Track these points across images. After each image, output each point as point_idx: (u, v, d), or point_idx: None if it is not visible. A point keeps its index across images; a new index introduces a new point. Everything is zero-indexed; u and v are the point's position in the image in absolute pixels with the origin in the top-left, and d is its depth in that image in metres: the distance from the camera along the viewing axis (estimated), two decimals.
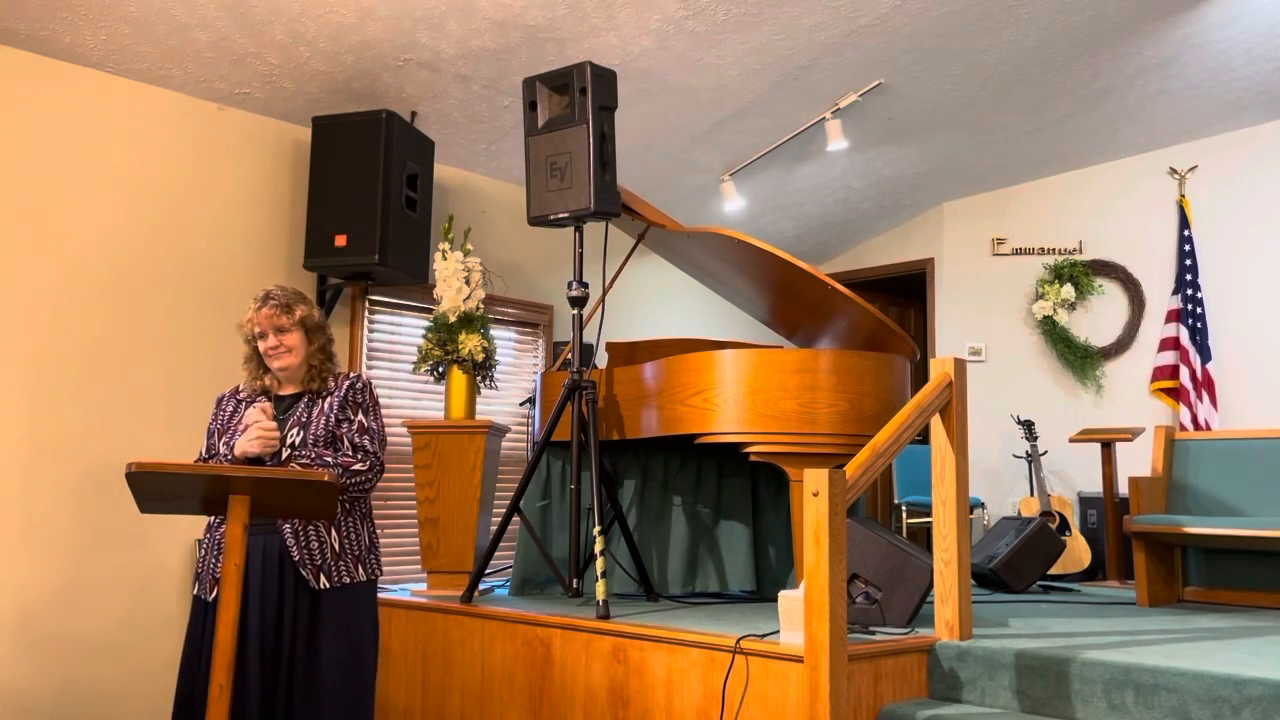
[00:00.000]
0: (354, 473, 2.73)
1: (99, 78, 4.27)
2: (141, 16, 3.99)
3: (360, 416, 2.81)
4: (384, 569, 2.90)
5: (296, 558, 2.65)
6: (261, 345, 2.81)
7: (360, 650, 2.73)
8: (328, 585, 2.67)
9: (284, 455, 2.70)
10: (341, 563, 2.71)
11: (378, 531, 2.91)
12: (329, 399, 2.81)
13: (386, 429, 3.04)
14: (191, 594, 2.79)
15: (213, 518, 2.77)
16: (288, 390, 2.85)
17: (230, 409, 2.86)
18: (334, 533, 2.72)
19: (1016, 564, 4.46)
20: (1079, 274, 6.46)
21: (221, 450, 2.77)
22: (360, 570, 2.75)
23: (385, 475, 3.93)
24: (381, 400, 4.43)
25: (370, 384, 2.90)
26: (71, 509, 4.07)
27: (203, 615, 2.68)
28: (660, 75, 4.86)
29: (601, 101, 3.76)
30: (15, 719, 3.85)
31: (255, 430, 2.67)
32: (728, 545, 4.20)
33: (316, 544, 2.69)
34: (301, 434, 2.74)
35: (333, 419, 2.77)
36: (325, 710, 2.62)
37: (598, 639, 3.24)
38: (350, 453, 2.76)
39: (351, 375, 2.89)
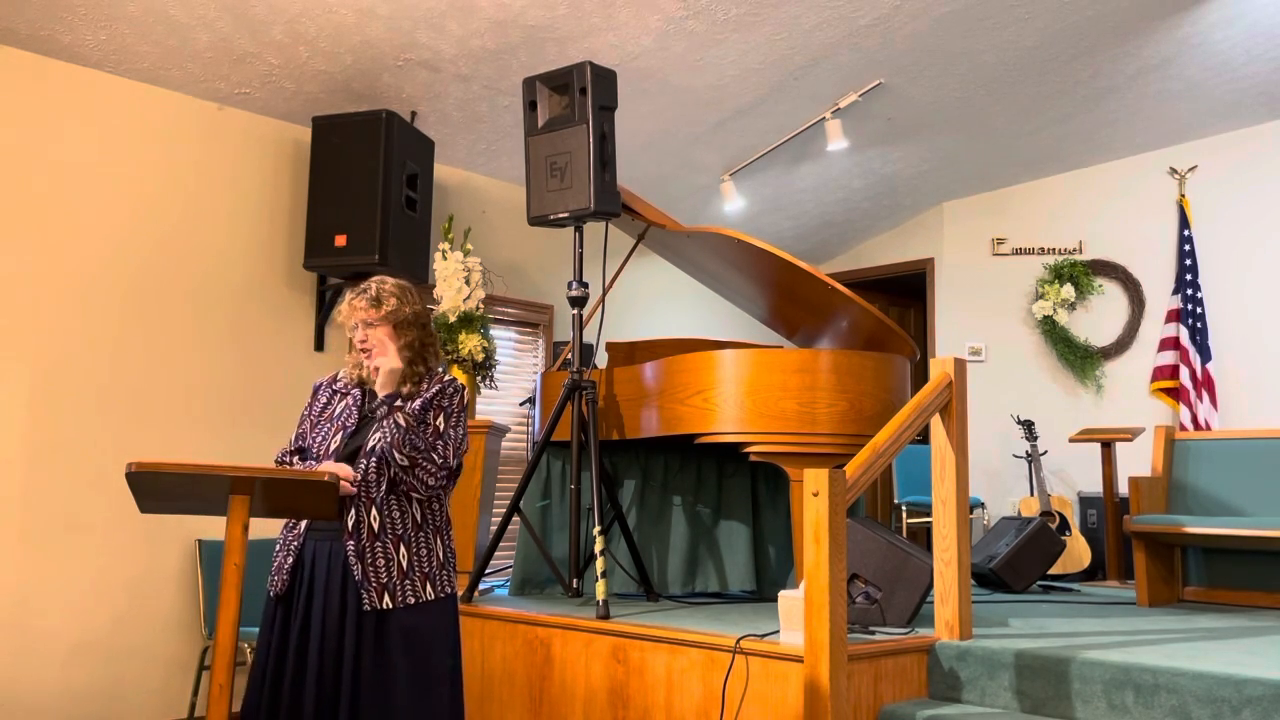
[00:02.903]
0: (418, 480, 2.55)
1: (99, 78, 4.27)
2: (141, 16, 3.99)
3: (439, 420, 2.62)
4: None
5: (358, 577, 2.49)
6: (354, 338, 2.66)
7: (433, 672, 2.54)
8: (392, 605, 2.50)
9: (362, 465, 2.56)
10: (409, 581, 2.53)
11: (453, 545, 2.69)
12: (417, 402, 2.62)
13: None
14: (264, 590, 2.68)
15: (288, 519, 2.62)
16: (380, 390, 2.65)
17: (325, 399, 2.72)
18: (403, 549, 2.55)
19: (1016, 564, 4.46)
20: (1079, 274, 6.46)
21: (311, 442, 2.64)
22: (429, 588, 2.56)
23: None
24: None
25: (462, 390, 2.70)
26: (72, 509, 4.06)
27: (272, 613, 2.59)
28: (660, 75, 4.86)
29: (601, 101, 3.76)
30: (15, 719, 3.85)
31: (390, 363, 2.57)
32: (728, 545, 4.20)
33: (383, 560, 2.52)
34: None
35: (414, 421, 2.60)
36: None
37: (598, 639, 3.23)
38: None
39: (445, 380, 2.69)
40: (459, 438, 2.64)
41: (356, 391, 2.70)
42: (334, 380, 2.77)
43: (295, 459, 2.69)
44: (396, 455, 2.51)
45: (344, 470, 2.53)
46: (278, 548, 2.66)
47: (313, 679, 2.48)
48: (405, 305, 2.67)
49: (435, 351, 2.74)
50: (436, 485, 2.59)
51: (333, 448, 2.61)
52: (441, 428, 2.62)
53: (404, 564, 2.54)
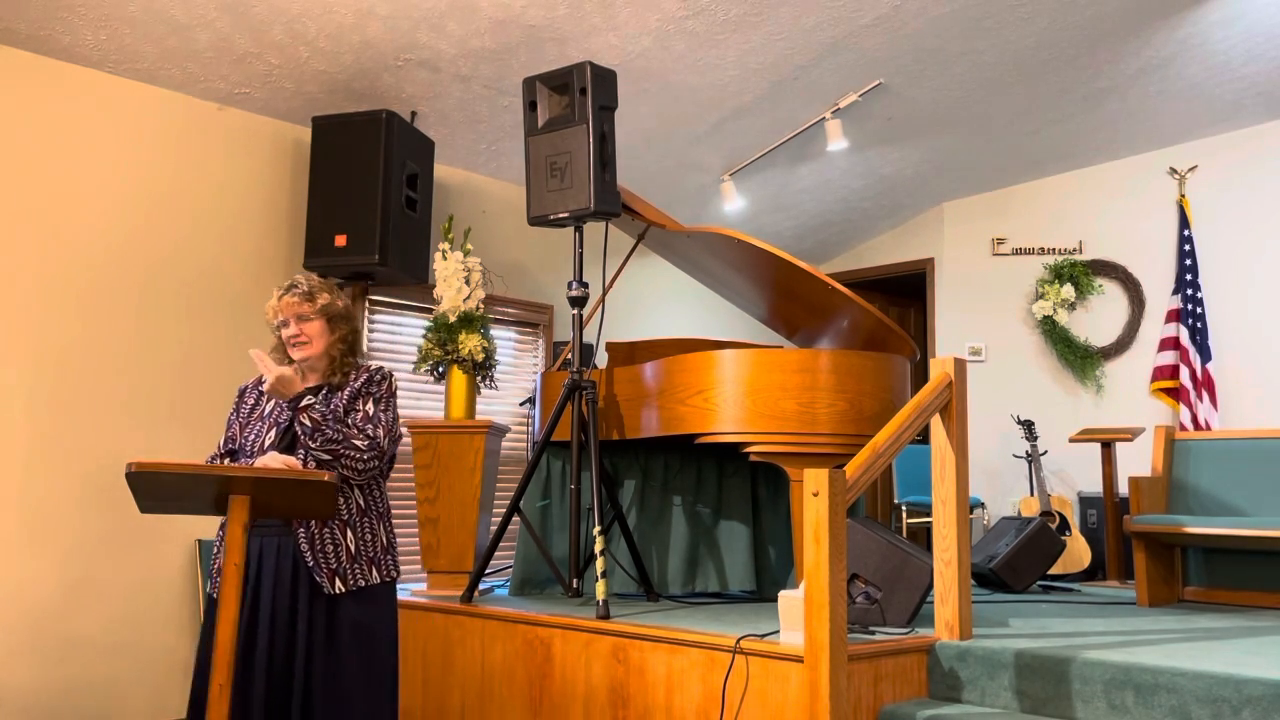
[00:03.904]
0: (350, 447, 2.60)
1: (98, 78, 4.27)
2: (141, 16, 3.99)
3: (368, 405, 2.72)
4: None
5: (310, 563, 2.57)
6: (283, 334, 2.74)
7: (379, 653, 2.65)
8: (343, 589, 2.59)
9: (301, 455, 2.62)
10: (357, 565, 2.63)
11: (395, 531, 2.79)
12: (345, 392, 2.73)
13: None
14: (204, 591, 2.75)
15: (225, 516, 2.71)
16: (310, 382, 2.77)
17: (252, 400, 2.80)
18: (349, 534, 2.64)
19: (1016, 564, 4.46)
20: (1079, 274, 6.46)
21: (243, 442, 2.69)
22: (375, 572, 2.67)
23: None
24: None
25: (390, 376, 2.81)
26: (71, 509, 4.07)
27: (214, 612, 2.62)
28: (660, 75, 4.86)
29: (601, 101, 3.76)
30: (15, 719, 3.85)
31: (268, 378, 2.56)
32: (728, 545, 4.20)
33: (331, 547, 2.61)
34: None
35: (342, 410, 2.69)
36: (350, 714, 2.56)
37: (598, 639, 3.23)
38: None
39: (372, 368, 2.80)
40: (389, 421, 2.73)
41: None
42: (260, 382, 2.85)
43: (228, 461, 2.75)
44: (313, 452, 2.59)
45: (291, 460, 2.59)
46: (217, 549, 2.71)
47: (261, 671, 2.54)
48: (338, 299, 2.79)
49: (361, 346, 2.85)
50: (368, 470, 2.66)
51: (268, 444, 2.68)
52: (371, 412, 2.72)
53: (352, 549, 2.64)
